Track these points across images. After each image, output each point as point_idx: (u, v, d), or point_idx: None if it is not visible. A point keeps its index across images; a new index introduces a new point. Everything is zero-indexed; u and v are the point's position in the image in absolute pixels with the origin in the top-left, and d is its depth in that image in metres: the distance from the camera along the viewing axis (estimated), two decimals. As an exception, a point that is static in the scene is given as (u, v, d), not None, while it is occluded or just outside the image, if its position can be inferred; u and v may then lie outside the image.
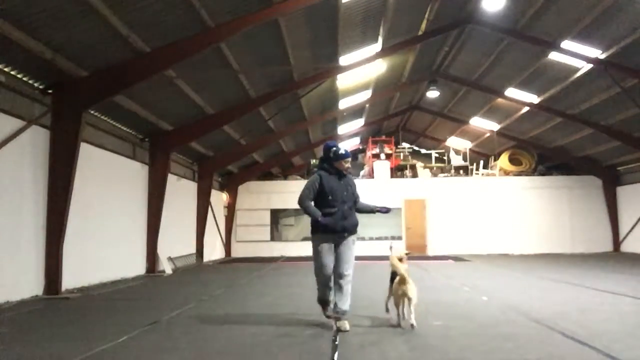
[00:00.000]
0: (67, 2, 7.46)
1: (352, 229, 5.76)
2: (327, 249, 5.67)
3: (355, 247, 5.82)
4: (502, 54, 15.97)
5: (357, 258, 6.02)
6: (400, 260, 5.80)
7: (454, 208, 22.11)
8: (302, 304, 7.63)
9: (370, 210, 6.06)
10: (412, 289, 5.36)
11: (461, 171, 24.26)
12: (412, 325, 5.44)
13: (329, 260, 5.66)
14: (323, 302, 5.86)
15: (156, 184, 13.53)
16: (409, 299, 5.38)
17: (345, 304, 5.62)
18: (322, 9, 11.33)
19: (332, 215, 5.61)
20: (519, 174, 22.93)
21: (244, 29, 10.08)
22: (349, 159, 5.92)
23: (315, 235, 5.74)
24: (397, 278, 5.54)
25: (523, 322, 5.93)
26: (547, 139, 21.45)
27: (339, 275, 5.64)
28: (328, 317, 5.81)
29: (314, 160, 24.94)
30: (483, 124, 22.66)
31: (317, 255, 5.71)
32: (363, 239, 19.93)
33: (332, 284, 5.68)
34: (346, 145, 26.59)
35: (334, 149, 5.89)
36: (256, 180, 22.91)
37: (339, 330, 5.43)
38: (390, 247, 6.09)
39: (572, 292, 8.60)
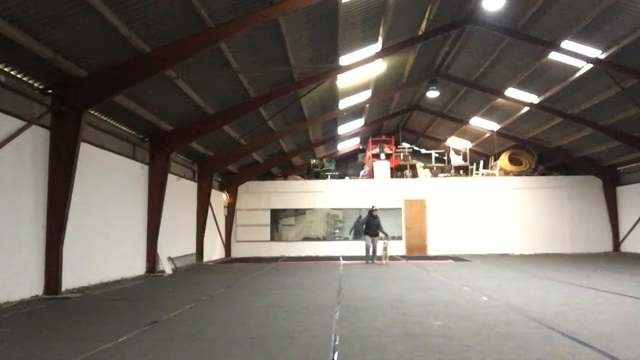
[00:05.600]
0: (67, 2, 7.45)
1: (376, 235, 16.56)
2: (369, 239, 16.60)
3: (378, 239, 16.51)
4: (502, 54, 15.98)
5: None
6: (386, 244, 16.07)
7: (453, 208, 22.11)
8: (302, 305, 7.63)
9: (380, 230, 16.65)
10: (388, 252, 16.00)
11: (461, 171, 24.27)
12: (386, 263, 15.69)
13: (370, 243, 16.60)
14: (366, 258, 16.64)
15: (156, 184, 13.53)
16: (386, 254, 15.91)
17: (374, 258, 16.44)
18: (322, 9, 11.33)
19: (370, 230, 16.58)
20: (519, 174, 22.93)
21: (244, 29, 10.08)
22: (376, 211, 16.76)
23: (366, 235, 16.71)
24: (384, 246, 16.01)
25: (523, 322, 5.93)
26: (547, 139, 21.46)
27: (373, 249, 16.58)
28: (369, 262, 16.30)
29: (314, 160, 24.96)
30: (483, 124, 22.66)
31: (366, 241, 16.67)
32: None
33: (371, 251, 16.59)
34: (346, 145, 27.10)
35: (371, 207, 16.88)
36: (256, 180, 22.91)
37: (374, 263, 16.23)
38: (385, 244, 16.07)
39: (572, 292, 8.61)
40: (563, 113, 17.96)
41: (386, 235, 16.36)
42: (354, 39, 13.87)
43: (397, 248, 21.45)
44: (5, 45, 7.51)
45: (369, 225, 16.65)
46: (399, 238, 21.95)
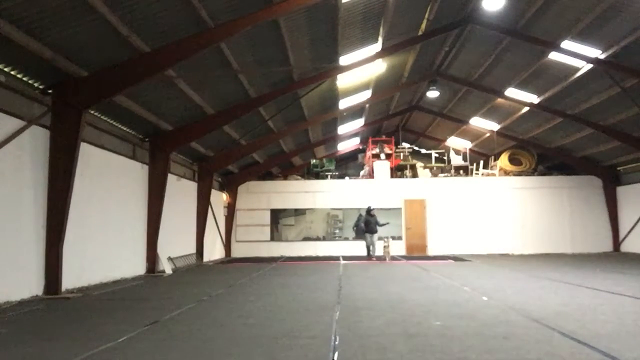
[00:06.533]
0: (67, 2, 7.46)
1: (375, 232, 18.13)
2: (369, 236, 18.14)
3: (377, 236, 18.22)
4: (502, 54, 15.98)
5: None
6: (386, 244, 17.59)
7: (454, 208, 22.11)
8: (302, 305, 7.63)
9: (379, 225, 18.20)
10: (389, 249, 17.47)
11: (461, 171, 24.26)
12: (389, 259, 17.26)
13: (370, 240, 18.20)
14: (368, 254, 18.29)
15: (156, 184, 13.52)
16: (388, 252, 17.30)
17: (375, 253, 18.18)
18: (322, 9, 11.33)
19: (370, 227, 18.05)
20: (519, 174, 22.93)
21: (244, 29, 10.08)
22: (373, 210, 18.34)
23: (367, 233, 18.14)
24: (385, 245, 17.53)
25: (523, 322, 5.93)
26: (547, 139, 21.46)
27: (372, 244, 18.19)
28: (369, 259, 17.94)
29: (314, 160, 24.96)
30: (483, 124, 22.66)
31: (366, 238, 18.25)
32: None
33: (371, 247, 18.18)
34: (346, 145, 27.15)
35: (369, 207, 18.44)
36: (256, 180, 22.91)
37: (374, 259, 17.71)
38: (386, 244, 17.65)
39: (572, 292, 8.61)
40: (563, 113, 17.96)
41: (386, 223, 18.48)
42: (354, 39, 13.87)
43: (397, 248, 21.44)
44: (5, 45, 7.51)
45: (368, 224, 18.16)
46: (399, 238, 21.95)
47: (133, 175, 12.86)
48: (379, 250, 18.24)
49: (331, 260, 18.04)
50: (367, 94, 19.00)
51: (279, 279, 11.86)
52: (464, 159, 24.83)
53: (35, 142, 8.74)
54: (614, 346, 4.66)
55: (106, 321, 6.47)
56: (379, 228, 18.24)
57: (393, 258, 17.83)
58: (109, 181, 11.54)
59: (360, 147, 27.24)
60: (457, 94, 20.59)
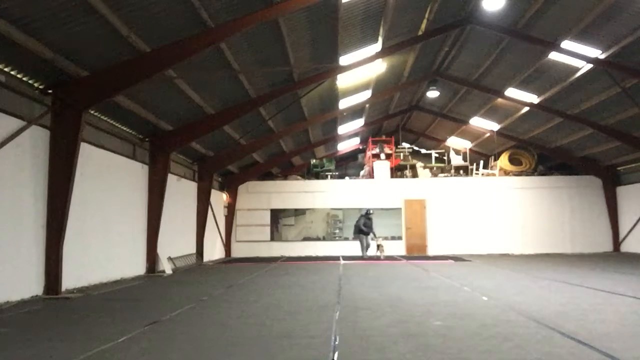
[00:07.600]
0: (67, 2, 7.45)
1: (369, 234, 18.93)
2: (364, 237, 18.94)
3: (370, 238, 19.05)
4: (502, 54, 15.97)
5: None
6: (380, 243, 18.85)
7: (454, 208, 22.12)
8: (302, 305, 7.63)
9: (372, 230, 19.30)
10: (384, 248, 18.66)
11: (461, 171, 24.26)
12: (383, 257, 18.23)
13: (365, 241, 18.96)
14: (363, 255, 18.85)
15: (156, 184, 13.53)
16: (382, 249, 18.46)
17: (369, 253, 18.97)
18: (322, 9, 11.33)
19: (365, 229, 18.87)
20: (519, 174, 22.94)
21: (244, 29, 10.08)
22: (372, 213, 19.17)
23: (362, 234, 18.94)
24: (379, 244, 18.77)
25: (523, 322, 5.93)
26: (547, 139, 21.46)
27: (367, 245, 19.01)
28: (364, 259, 18.37)
29: (314, 160, 24.97)
30: (483, 124, 22.65)
31: (361, 240, 19.02)
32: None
33: (365, 248, 18.94)
34: (346, 145, 27.13)
35: (367, 210, 19.25)
36: (256, 180, 22.91)
37: (371, 259, 18.28)
38: (378, 246, 18.84)
39: (572, 292, 8.60)
40: (563, 113, 17.96)
41: (374, 234, 19.35)
42: (354, 39, 13.86)
43: (397, 248, 21.47)
44: (5, 45, 7.51)
45: (365, 226, 19.16)
46: (399, 238, 21.95)
47: (133, 175, 12.86)
48: (373, 251, 18.84)
49: (331, 260, 18.03)
50: (367, 94, 18.99)
51: (279, 279, 11.86)
52: (464, 159, 24.84)
53: (35, 142, 8.73)
54: (614, 346, 4.66)
55: (106, 321, 6.47)
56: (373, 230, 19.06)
57: (392, 258, 17.86)
58: (109, 181, 11.54)
59: (360, 147, 27.24)
60: (457, 94, 20.59)
